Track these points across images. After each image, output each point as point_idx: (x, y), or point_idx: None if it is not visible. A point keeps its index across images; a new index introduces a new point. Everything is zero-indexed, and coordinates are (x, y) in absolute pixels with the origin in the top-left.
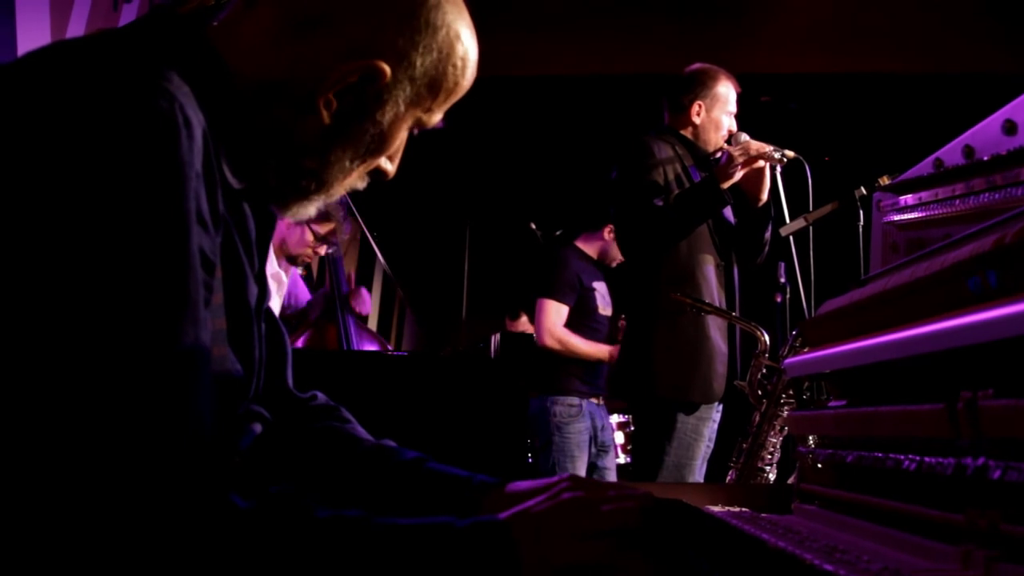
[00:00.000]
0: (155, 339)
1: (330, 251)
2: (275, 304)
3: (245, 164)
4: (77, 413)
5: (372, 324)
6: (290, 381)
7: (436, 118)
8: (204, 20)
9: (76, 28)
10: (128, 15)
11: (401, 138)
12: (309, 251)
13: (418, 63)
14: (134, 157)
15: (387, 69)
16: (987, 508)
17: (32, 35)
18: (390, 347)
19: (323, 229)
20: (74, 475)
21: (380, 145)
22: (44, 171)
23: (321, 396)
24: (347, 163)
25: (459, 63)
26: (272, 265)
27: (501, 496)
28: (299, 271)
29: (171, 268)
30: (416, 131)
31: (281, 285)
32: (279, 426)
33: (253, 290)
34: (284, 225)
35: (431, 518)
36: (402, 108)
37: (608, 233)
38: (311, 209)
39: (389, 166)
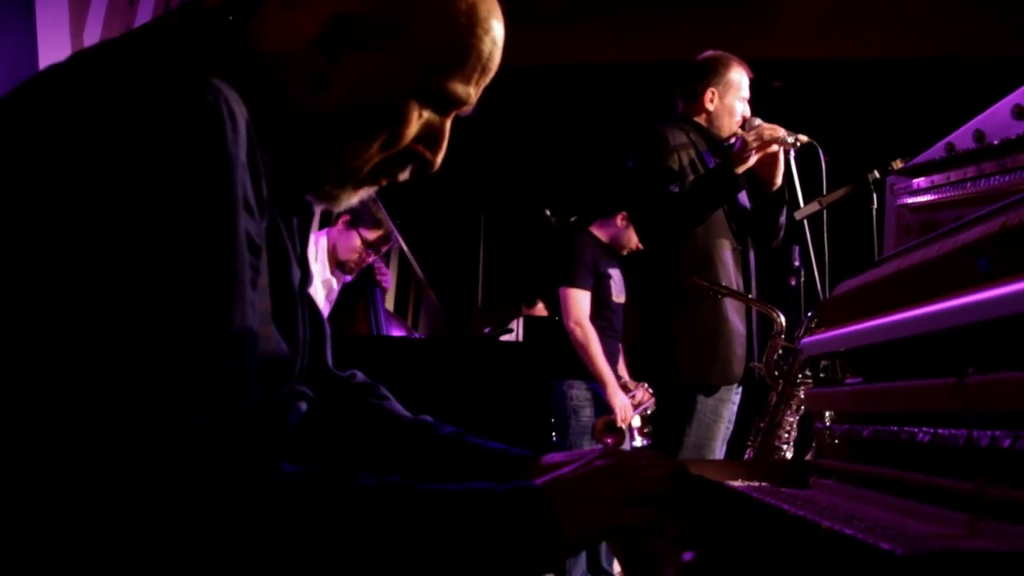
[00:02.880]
0: (207, 317)
1: (377, 261)
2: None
3: (281, 153)
4: (134, 391)
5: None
6: (330, 361)
7: (459, 89)
8: (239, 16)
9: (94, 23)
10: (144, 11)
11: (415, 110)
12: (357, 256)
13: (406, 15)
14: (185, 148)
15: (359, 16)
16: (998, 478)
17: (51, 31)
18: (416, 334)
19: (372, 235)
20: (130, 451)
21: (388, 114)
22: (100, 164)
23: (360, 375)
24: (362, 136)
25: (463, 20)
26: (324, 272)
27: (537, 467)
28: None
29: (221, 251)
30: (442, 111)
31: (331, 292)
32: (322, 404)
33: (296, 273)
34: (336, 231)
35: (471, 484)
36: (395, 69)
37: (621, 220)
38: (345, 196)
39: (429, 155)
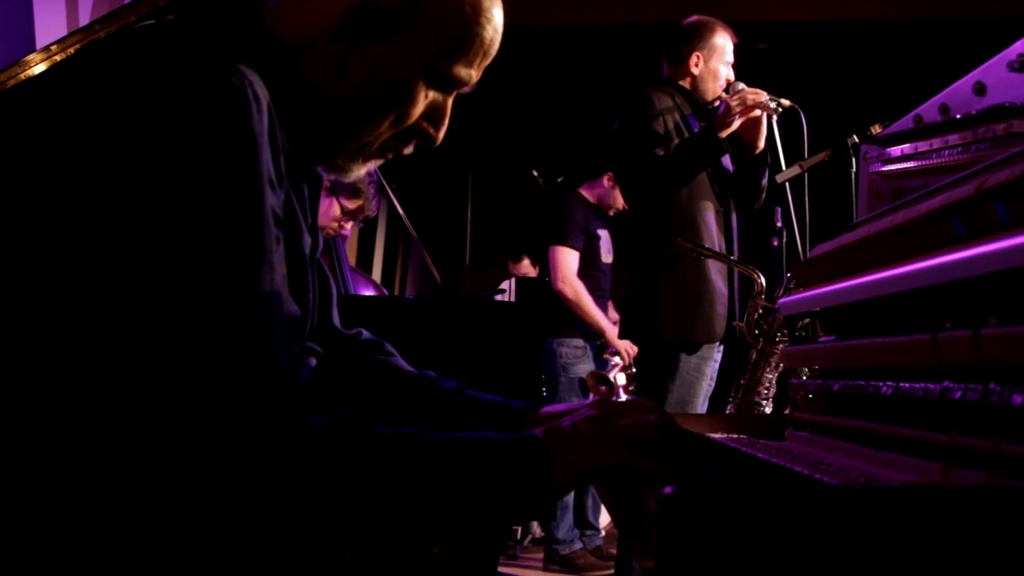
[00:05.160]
0: (241, 283)
1: (357, 226)
2: None
3: (298, 129)
4: (179, 348)
5: (376, 272)
6: (336, 320)
7: (463, 72)
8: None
9: (85, 5)
10: None
11: (423, 91)
12: (336, 224)
13: (419, 4)
14: (216, 129)
15: (377, 6)
16: (956, 426)
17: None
18: (384, 290)
19: (352, 204)
20: (180, 404)
21: (400, 96)
22: (139, 146)
23: (366, 332)
24: (375, 116)
25: (469, 10)
26: None
27: (536, 417)
28: None
29: (251, 222)
30: (445, 91)
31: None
32: (331, 360)
33: (307, 241)
34: None
35: (474, 433)
36: (408, 55)
37: (607, 180)
38: (355, 168)
39: (433, 131)
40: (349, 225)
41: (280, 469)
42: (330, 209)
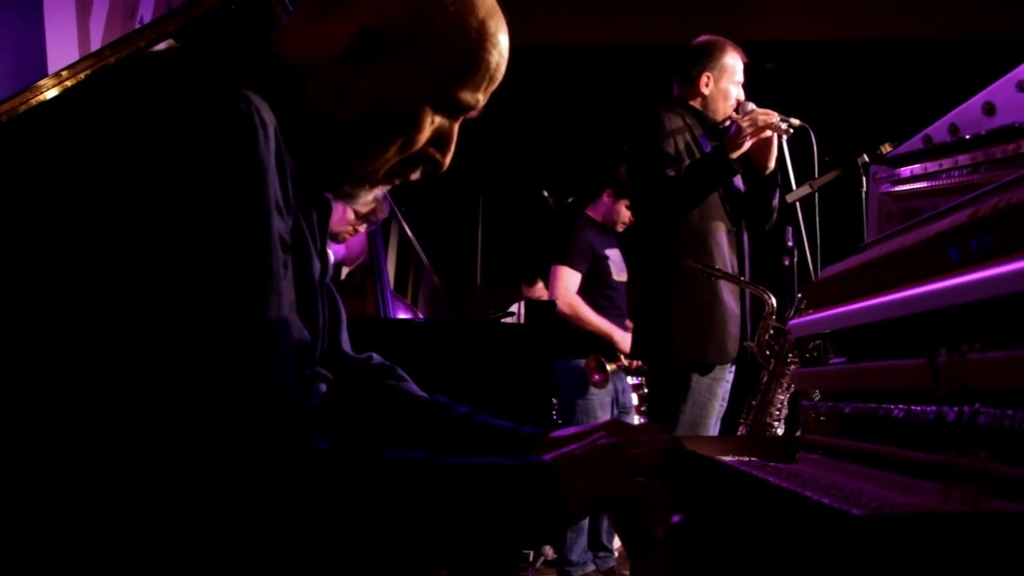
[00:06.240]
0: (247, 309)
1: (371, 229)
2: None
3: (305, 155)
4: (185, 373)
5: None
6: (346, 345)
7: (469, 97)
8: (266, 26)
9: (98, 17)
10: (146, 8)
11: (429, 116)
12: (350, 228)
13: (424, 30)
14: (223, 156)
15: (383, 31)
16: (968, 449)
17: (58, 26)
18: (420, 315)
19: (364, 208)
20: (186, 429)
21: (406, 121)
22: (147, 172)
23: (376, 357)
24: (381, 141)
25: (474, 35)
26: None
27: (546, 443)
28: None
29: (258, 248)
30: (452, 116)
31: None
32: (341, 385)
33: (316, 266)
34: None
35: (485, 458)
36: (413, 80)
37: (607, 197)
38: (362, 194)
39: (439, 157)
40: (363, 227)
41: (286, 493)
42: (345, 214)
